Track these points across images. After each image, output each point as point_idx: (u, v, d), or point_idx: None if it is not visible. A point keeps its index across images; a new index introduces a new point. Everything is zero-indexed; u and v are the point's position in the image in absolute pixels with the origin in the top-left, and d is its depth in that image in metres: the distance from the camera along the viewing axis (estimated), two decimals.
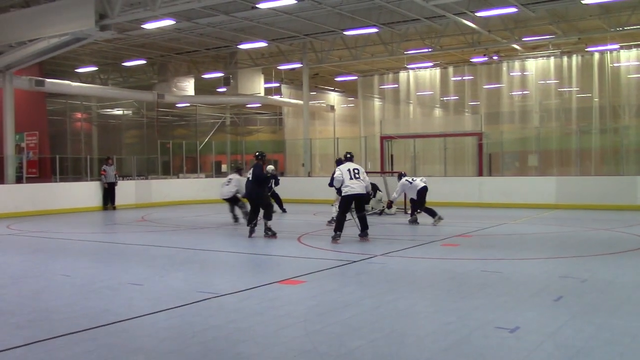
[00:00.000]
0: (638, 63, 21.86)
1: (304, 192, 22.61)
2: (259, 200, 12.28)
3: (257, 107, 33.89)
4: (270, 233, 12.05)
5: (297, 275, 8.18)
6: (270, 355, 5.01)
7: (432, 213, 14.11)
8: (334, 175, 11.87)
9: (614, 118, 22.22)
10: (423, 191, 14.32)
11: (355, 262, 9.20)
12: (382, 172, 19.92)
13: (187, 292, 7.25)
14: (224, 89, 29.36)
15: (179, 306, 6.55)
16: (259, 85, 28.78)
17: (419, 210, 14.48)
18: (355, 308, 6.48)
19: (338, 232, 11.27)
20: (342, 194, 11.52)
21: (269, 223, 12.11)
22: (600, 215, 16.04)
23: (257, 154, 12.71)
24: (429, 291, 7.45)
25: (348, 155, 12.29)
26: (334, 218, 12.60)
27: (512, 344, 5.17)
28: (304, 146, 25.72)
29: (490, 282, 7.72)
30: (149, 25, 19.53)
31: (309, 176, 25.08)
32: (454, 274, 8.39)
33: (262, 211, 12.25)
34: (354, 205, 11.55)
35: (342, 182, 11.43)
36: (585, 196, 18.16)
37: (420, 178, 14.85)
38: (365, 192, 11.49)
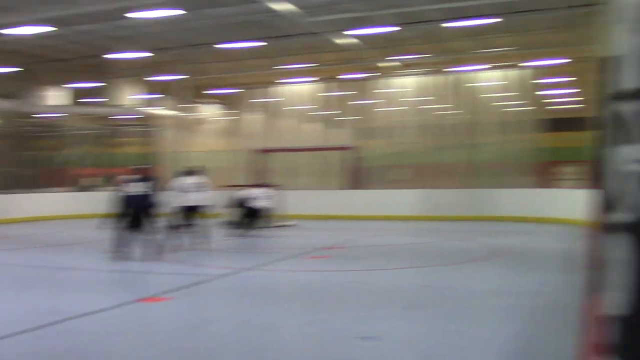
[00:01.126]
0: (495, 83, 23.37)
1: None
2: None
3: (133, 118, 32.82)
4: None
5: (160, 292, 7.95)
6: None
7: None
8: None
9: (472, 134, 23.56)
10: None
11: (221, 277, 9.10)
12: (261, 185, 19.89)
13: (39, 314, 6.81)
14: (97, 100, 28.18)
15: (28, 330, 6.14)
16: (134, 96, 27.92)
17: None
18: (218, 324, 6.40)
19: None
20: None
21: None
22: (463, 226, 16.92)
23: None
24: (293, 304, 7.50)
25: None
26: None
27: (372, 353, 5.30)
28: (182, 159, 25.22)
29: (354, 292, 7.90)
30: (16, 31, 18.40)
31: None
32: (319, 286, 8.51)
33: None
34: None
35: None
36: (450, 208, 19.10)
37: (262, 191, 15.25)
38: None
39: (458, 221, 18.17)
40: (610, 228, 1.56)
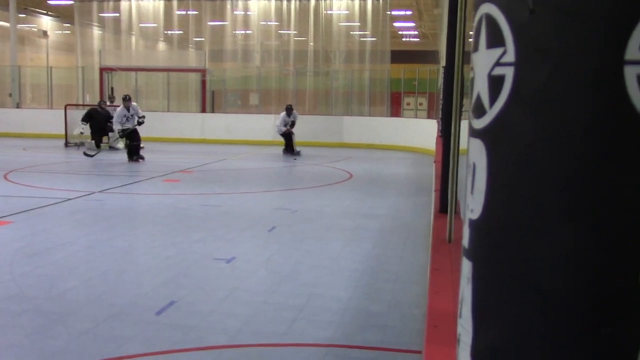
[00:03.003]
0: (347, 12, 23.72)
1: (11, 124, 20.55)
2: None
3: None
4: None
5: (3, 216, 7.48)
6: None
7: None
8: None
9: (326, 62, 23.95)
10: None
11: (70, 199, 8.71)
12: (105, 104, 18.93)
13: None
14: None
15: None
16: None
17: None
18: (69, 248, 6.18)
19: None
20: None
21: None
22: (313, 152, 17.36)
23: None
24: (149, 227, 7.41)
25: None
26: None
27: (228, 274, 5.43)
28: (12, 74, 23.20)
29: (210, 216, 7.94)
30: None
31: (17, 107, 22.78)
32: (175, 209, 8.44)
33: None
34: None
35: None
36: (300, 134, 19.45)
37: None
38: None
39: (312, 147, 18.61)
40: (472, 134, 1.68)
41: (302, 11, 23.76)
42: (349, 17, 23.84)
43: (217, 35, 24.98)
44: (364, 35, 23.80)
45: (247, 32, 24.71)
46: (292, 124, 16.73)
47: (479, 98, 1.71)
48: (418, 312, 4.29)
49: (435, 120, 15.68)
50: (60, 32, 32.81)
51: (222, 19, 24.74)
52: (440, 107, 8.98)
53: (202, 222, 7.56)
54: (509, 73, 1.37)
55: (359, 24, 23.66)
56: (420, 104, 20.75)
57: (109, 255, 5.93)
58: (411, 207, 8.81)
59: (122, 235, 6.75)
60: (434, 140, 12.30)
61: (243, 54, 24.79)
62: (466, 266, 1.68)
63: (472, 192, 1.71)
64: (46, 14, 31.95)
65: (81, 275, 5.26)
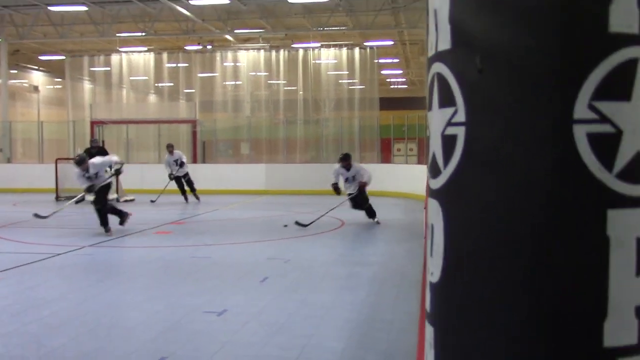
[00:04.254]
0: (335, 61, 24.08)
1: (2, 180, 20.50)
2: None
3: None
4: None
5: None
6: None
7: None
8: None
9: (315, 110, 24.18)
10: None
11: (59, 254, 8.60)
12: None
13: None
14: None
15: None
16: None
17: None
18: (58, 304, 6.06)
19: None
20: None
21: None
22: (305, 200, 17.35)
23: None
24: (138, 281, 7.30)
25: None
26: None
27: (219, 327, 5.32)
28: (3, 130, 23.25)
29: (200, 267, 7.84)
30: None
31: (8, 162, 22.76)
32: (165, 261, 8.35)
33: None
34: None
35: None
36: (292, 182, 19.48)
37: None
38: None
39: (303, 195, 18.59)
40: (430, 194, 1.63)
41: (291, 61, 24.08)
42: (337, 66, 24.16)
43: (207, 86, 25.22)
44: (353, 84, 24.10)
45: (237, 82, 24.98)
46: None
47: (434, 157, 1.66)
48: None
49: (425, 166, 15.74)
50: (52, 86, 33.05)
51: (212, 70, 25.03)
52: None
53: (191, 274, 7.46)
54: (460, 133, 1.40)
55: (347, 72, 23.98)
56: (411, 150, 20.87)
57: (97, 311, 5.82)
58: (403, 254, 8.74)
59: (111, 290, 6.65)
60: (424, 186, 12.31)
61: (233, 104, 25.00)
62: (429, 331, 1.60)
63: (431, 255, 1.64)
64: (37, 69, 32.25)
65: (69, 332, 5.14)
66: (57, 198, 17.18)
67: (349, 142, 21.77)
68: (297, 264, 8.08)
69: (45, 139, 22.90)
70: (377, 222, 11.93)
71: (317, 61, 24.07)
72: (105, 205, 10.59)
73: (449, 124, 1.43)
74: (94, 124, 21.44)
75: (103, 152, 15.49)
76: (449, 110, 1.43)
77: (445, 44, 1.40)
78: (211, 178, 19.87)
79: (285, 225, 10.84)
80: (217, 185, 19.51)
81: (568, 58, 1.25)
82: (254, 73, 24.53)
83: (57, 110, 30.85)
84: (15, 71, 30.02)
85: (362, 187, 11.98)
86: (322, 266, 7.94)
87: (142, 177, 18.75)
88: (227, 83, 25.13)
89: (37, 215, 10.80)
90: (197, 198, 16.59)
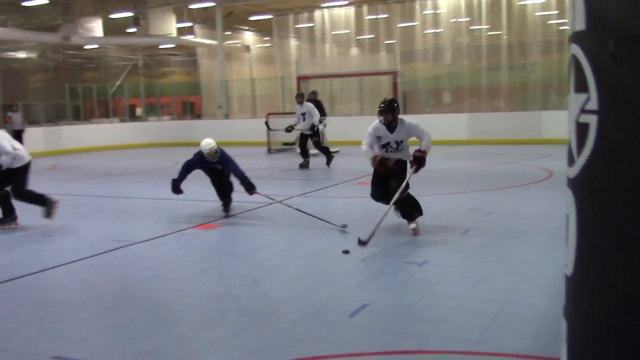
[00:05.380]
0: (543, 1, 22.49)
1: (221, 134, 22.37)
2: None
3: (170, 48, 32.82)
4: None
5: (212, 220, 8.17)
6: (184, 301, 5.04)
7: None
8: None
9: (521, 55, 22.91)
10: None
11: (270, 204, 9.24)
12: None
13: (100, 242, 7.11)
14: (134, 30, 28.18)
15: (92, 256, 6.44)
16: (170, 25, 27.75)
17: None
18: (269, 250, 6.57)
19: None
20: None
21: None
22: (508, 150, 16.71)
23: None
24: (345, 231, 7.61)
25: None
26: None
27: (420, 277, 5.41)
28: (220, 88, 25.27)
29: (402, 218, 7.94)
30: None
31: (226, 118, 24.76)
32: (368, 211, 8.58)
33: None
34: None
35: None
36: (495, 131, 18.82)
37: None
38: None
39: (506, 144, 17.94)
40: (567, 183, 1.54)
41: (494, 4, 22.98)
42: (545, 6, 22.58)
43: (407, 36, 25.03)
44: (563, 24, 22.38)
45: (437, 30, 24.46)
46: None
47: (570, 145, 1.56)
48: None
49: None
50: (261, 45, 35.03)
51: (412, 20, 24.75)
52: None
53: (393, 224, 7.60)
54: (592, 121, 1.36)
55: (556, 12, 22.31)
56: None
57: (305, 258, 6.21)
58: None
59: (317, 239, 7.02)
60: None
61: (434, 52, 24.59)
62: (563, 325, 1.54)
63: (566, 246, 1.56)
64: (248, 30, 34.35)
65: (281, 276, 5.56)
66: (269, 151, 18.38)
67: (558, 88, 20.39)
68: (499, 216, 7.87)
69: (257, 95, 24.49)
70: (414, 230, 6.94)
71: (522, 2, 22.70)
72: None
73: (582, 110, 1.39)
74: (299, 79, 22.42)
75: (319, 105, 16.03)
76: (583, 97, 1.39)
77: (580, 24, 1.34)
78: None
79: (347, 252, 6.04)
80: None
81: None
82: (454, 20, 23.82)
83: (266, 68, 32.76)
84: (229, 33, 32.25)
85: (418, 159, 7.01)
86: (525, 220, 7.65)
87: (345, 130, 19.31)
88: (427, 32, 24.72)
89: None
90: (328, 160, 14.01)
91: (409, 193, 7.01)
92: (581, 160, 1.42)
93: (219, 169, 8.47)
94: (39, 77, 33.49)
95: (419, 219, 7.01)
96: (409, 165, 7.15)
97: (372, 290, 5.10)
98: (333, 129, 17.90)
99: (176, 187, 8.42)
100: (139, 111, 27.51)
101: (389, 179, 7.06)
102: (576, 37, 1.38)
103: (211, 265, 6.09)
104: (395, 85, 21.72)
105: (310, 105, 14.07)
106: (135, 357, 3.86)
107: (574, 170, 1.48)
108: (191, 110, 30.72)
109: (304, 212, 7.79)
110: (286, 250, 6.55)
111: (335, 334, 4.11)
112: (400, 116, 7.30)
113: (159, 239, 7.15)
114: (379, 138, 7.11)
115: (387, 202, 6.94)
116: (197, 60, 32.30)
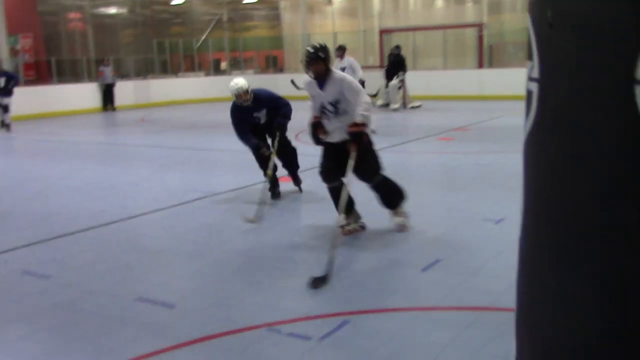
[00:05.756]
0: None
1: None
2: None
3: (253, 2, 32.97)
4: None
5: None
6: (262, 248, 5.18)
7: None
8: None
9: None
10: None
11: None
12: (382, 66, 19.66)
13: (183, 192, 7.38)
14: None
15: (175, 205, 6.71)
16: None
17: None
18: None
19: None
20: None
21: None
22: None
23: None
24: (422, 185, 7.54)
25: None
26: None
27: (496, 235, 5.33)
28: (302, 42, 25.24)
29: (482, 175, 7.82)
30: None
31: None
32: (448, 167, 8.49)
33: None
34: None
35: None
36: None
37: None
38: None
39: None
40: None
41: None
42: None
43: None
44: None
45: None
46: None
47: (525, 109, 1.65)
48: None
49: None
50: None
51: None
52: None
53: (473, 181, 7.50)
54: (535, 89, 1.44)
55: None
56: None
57: (382, 211, 6.21)
58: None
59: None
60: None
61: (523, 2, 23.52)
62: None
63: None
64: None
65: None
66: None
67: None
68: None
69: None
70: (400, 226, 5.53)
71: None
72: None
73: (529, 78, 1.46)
74: (382, 33, 22.08)
75: (401, 61, 15.81)
76: (529, 64, 1.45)
77: None
78: (497, 83, 19.27)
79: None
80: (505, 90, 18.85)
81: (633, 21, 1.22)
82: None
83: (349, 21, 32.38)
84: None
85: (353, 136, 5.13)
86: None
87: (428, 84, 18.96)
88: None
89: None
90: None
91: (383, 175, 5.45)
92: (527, 125, 1.58)
93: (262, 124, 7.05)
94: (129, 32, 34.47)
95: (408, 212, 5.58)
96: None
97: (447, 245, 5.07)
98: (415, 83, 17.60)
99: (248, 140, 7.06)
100: (223, 65, 27.97)
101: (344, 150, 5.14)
102: (529, 8, 1.49)
103: (290, 217, 6.22)
104: (480, 38, 21.04)
105: (351, 60, 13.04)
106: (214, 302, 4.03)
107: (524, 136, 1.63)
108: (274, 64, 30.90)
109: None
110: (363, 204, 6.58)
111: (405, 287, 4.14)
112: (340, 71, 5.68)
113: (239, 190, 7.35)
114: (313, 98, 5.49)
115: (338, 180, 5.34)
116: (279, 14, 32.32)
